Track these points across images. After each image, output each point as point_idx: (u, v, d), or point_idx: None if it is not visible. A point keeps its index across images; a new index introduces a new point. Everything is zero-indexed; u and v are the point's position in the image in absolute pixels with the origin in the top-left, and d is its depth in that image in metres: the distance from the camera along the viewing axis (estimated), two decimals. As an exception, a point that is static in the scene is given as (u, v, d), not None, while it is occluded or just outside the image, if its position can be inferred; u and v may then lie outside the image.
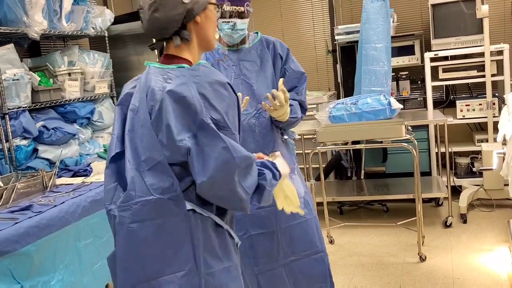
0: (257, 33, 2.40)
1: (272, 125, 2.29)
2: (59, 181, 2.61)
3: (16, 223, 1.93)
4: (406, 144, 3.17)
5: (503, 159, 3.07)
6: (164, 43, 1.45)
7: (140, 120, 1.37)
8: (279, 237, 2.23)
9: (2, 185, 2.38)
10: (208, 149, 1.28)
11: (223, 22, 2.20)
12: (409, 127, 3.33)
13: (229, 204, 1.39)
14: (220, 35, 2.30)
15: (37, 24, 3.07)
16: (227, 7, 2.17)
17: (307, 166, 3.71)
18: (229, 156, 1.28)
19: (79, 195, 2.33)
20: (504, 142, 3.19)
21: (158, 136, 1.32)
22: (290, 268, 2.27)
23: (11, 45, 3.02)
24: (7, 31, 2.94)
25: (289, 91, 2.30)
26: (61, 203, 2.19)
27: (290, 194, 1.65)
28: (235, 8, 2.17)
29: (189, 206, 1.35)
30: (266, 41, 2.35)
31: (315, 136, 3.45)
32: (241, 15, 2.19)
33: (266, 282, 2.26)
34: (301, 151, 4.14)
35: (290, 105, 2.23)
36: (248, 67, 2.30)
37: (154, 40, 1.50)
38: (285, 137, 2.37)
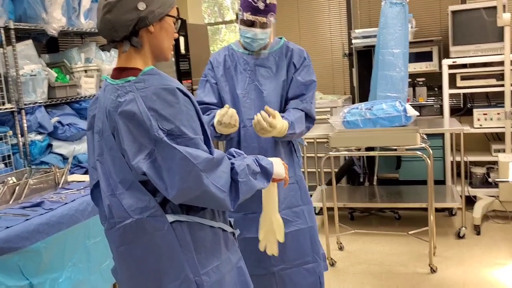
0: (281, 38, 2.37)
1: None
2: (71, 177, 2.62)
3: (27, 219, 1.95)
4: (420, 152, 3.12)
5: (520, 171, 3.02)
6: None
7: (107, 143, 1.36)
8: None
9: (15, 180, 2.40)
10: (168, 163, 1.26)
11: (244, 29, 2.19)
12: (424, 136, 3.29)
13: (209, 204, 1.38)
14: (240, 40, 2.29)
15: (55, 21, 3.10)
16: (248, 16, 2.16)
17: (319, 170, 3.69)
18: (190, 165, 1.25)
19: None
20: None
21: (124, 157, 1.32)
22: (280, 276, 2.26)
23: (30, 41, 3.06)
24: (26, 27, 2.97)
25: (293, 98, 2.28)
26: (72, 201, 2.20)
27: (277, 228, 1.64)
28: (257, 19, 2.15)
29: (171, 218, 1.34)
30: (286, 49, 2.31)
31: (327, 140, 3.42)
32: (262, 26, 2.17)
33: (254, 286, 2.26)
34: (313, 155, 4.13)
35: (290, 121, 2.19)
36: (263, 73, 2.28)
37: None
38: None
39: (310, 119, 2.31)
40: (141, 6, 1.33)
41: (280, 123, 2.10)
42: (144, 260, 1.37)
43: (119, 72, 1.39)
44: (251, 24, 2.17)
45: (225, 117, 2.10)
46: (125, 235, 1.36)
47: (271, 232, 1.67)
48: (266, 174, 1.48)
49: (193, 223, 1.37)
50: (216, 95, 2.34)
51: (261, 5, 2.13)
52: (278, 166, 1.56)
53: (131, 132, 1.29)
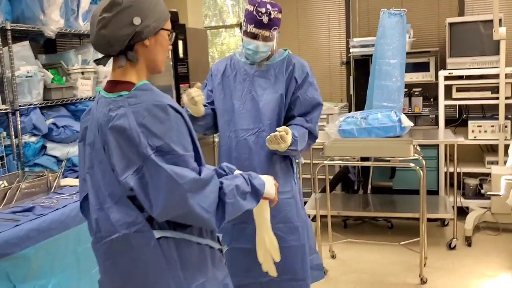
0: (286, 50, 2.37)
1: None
2: (64, 181, 2.62)
3: (17, 225, 1.95)
4: (413, 164, 3.13)
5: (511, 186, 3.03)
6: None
7: (98, 156, 1.36)
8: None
9: (6, 184, 2.40)
10: (154, 181, 1.27)
11: (246, 41, 2.20)
12: (418, 147, 3.30)
13: (194, 223, 1.37)
14: (243, 50, 2.29)
15: (53, 22, 3.10)
16: (252, 28, 2.16)
17: (314, 176, 3.70)
18: (175, 185, 1.25)
19: (82, 198, 2.34)
20: (514, 168, 3.16)
21: (114, 172, 1.32)
22: (268, 286, 2.26)
23: (27, 42, 3.05)
24: (23, 28, 2.96)
25: (299, 115, 2.28)
26: (63, 206, 2.20)
27: (272, 247, 1.64)
28: (260, 32, 2.15)
29: (157, 234, 1.34)
30: (288, 62, 2.30)
31: (322, 148, 3.43)
32: (265, 39, 2.17)
33: None
34: (309, 161, 4.13)
35: (294, 137, 2.19)
36: (261, 84, 2.27)
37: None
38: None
39: (312, 136, 2.32)
40: (137, 21, 1.33)
41: (289, 140, 2.12)
42: (129, 275, 1.37)
43: (113, 86, 1.39)
44: (254, 36, 2.17)
45: (192, 90, 2.15)
46: (111, 250, 1.36)
47: (267, 252, 1.65)
48: (256, 194, 1.47)
49: (180, 240, 1.37)
50: (211, 102, 2.37)
51: (265, 19, 2.14)
52: (269, 185, 1.55)
53: (121, 147, 1.29)
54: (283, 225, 2.25)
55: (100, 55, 1.44)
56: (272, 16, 2.15)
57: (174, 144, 1.29)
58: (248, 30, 2.18)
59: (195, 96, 2.18)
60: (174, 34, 1.46)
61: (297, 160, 2.41)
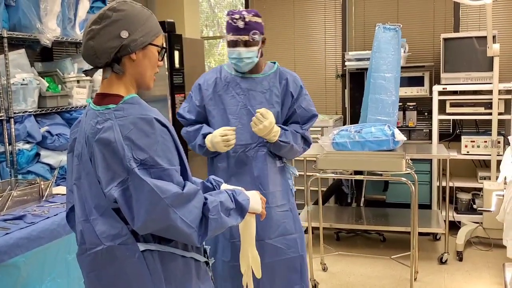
0: (274, 63, 2.39)
1: (268, 159, 2.28)
2: (56, 190, 2.62)
3: (7, 233, 1.94)
4: (405, 179, 3.15)
5: (502, 202, 3.05)
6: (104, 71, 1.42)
7: (85, 168, 1.37)
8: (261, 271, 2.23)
9: (-2, 191, 2.40)
10: (137, 194, 1.27)
11: (229, 51, 2.21)
12: (410, 162, 3.32)
13: (176, 237, 1.37)
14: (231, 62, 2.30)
15: (50, 31, 3.12)
16: (230, 37, 2.18)
17: (306, 188, 3.71)
18: (157, 198, 1.26)
19: (74, 207, 2.34)
20: (505, 183, 3.17)
21: (99, 184, 1.34)
22: None
23: (23, 51, 3.07)
24: (20, 36, 2.98)
25: (294, 123, 2.30)
26: (55, 215, 2.20)
27: (254, 263, 1.65)
28: (238, 38, 2.17)
29: (142, 247, 1.34)
30: (280, 75, 2.32)
31: (315, 161, 3.44)
32: (246, 44, 2.18)
33: None
34: (303, 173, 4.15)
35: (284, 129, 2.22)
36: (256, 98, 2.28)
37: None
38: (280, 164, 2.35)
39: (307, 142, 2.36)
40: (124, 34, 1.35)
41: (271, 117, 2.14)
42: (113, 287, 1.37)
43: (101, 98, 1.40)
44: (234, 44, 2.19)
45: (230, 133, 2.16)
46: (95, 261, 1.37)
47: (249, 267, 1.66)
48: (241, 210, 1.47)
49: (164, 253, 1.38)
50: (196, 115, 2.35)
51: (240, 24, 2.16)
52: (254, 200, 1.55)
53: (106, 159, 1.30)
54: (282, 237, 2.28)
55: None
56: (247, 20, 2.17)
57: (159, 158, 1.29)
58: (228, 39, 2.21)
59: (232, 139, 2.19)
60: (165, 50, 1.46)
61: (292, 172, 2.43)
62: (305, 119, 2.32)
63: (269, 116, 2.14)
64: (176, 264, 1.39)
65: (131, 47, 1.37)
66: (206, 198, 1.37)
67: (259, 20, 2.22)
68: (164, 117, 1.37)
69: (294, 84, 2.31)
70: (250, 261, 1.65)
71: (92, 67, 1.42)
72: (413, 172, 3.21)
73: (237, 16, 2.17)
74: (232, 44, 2.19)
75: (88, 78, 3.54)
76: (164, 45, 1.47)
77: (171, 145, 1.34)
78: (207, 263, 1.53)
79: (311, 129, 4.38)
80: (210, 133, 2.25)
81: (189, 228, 1.30)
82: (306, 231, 4.25)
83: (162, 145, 1.31)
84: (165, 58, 4.19)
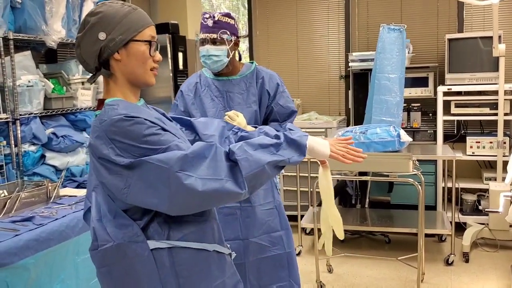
0: (252, 63, 2.40)
1: None
2: (63, 191, 2.62)
3: (17, 235, 1.94)
4: (412, 180, 3.14)
5: (510, 203, 3.04)
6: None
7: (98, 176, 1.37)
8: (247, 269, 2.24)
9: (6, 193, 2.39)
10: (145, 178, 1.23)
11: (200, 50, 2.24)
12: (417, 162, 3.31)
13: (213, 202, 1.29)
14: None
15: (55, 33, 3.12)
16: (201, 35, 2.22)
17: (311, 190, 3.70)
18: (165, 171, 1.21)
19: (81, 209, 2.32)
20: (512, 185, 3.16)
21: (104, 189, 1.33)
22: None
23: (28, 52, 3.07)
24: (26, 38, 2.98)
25: (273, 121, 2.30)
26: (63, 217, 2.20)
27: (335, 223, 1.55)
28: (207, 36, 2.20)
29: (152, 245, 1.33)
30: (257, 74, 2.33)
31: (321, 163, 3.43)
32: (213, 42, 2.19)
33: None
34: (307, 175, 4.14)
35: (258, 127, 2.21)
36: (234, 99, 2.29)
37: None
38: None
39: None
40: (102, 36, 1.35)
41: (241, 118, 2.14)
42: (123, 282, 1.37)
43: (99, 104, 1.41)
44: (202, 41, 2.22)
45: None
46: (106, 257, 1.36)
47: (329, 227, 1.55)
48: (295, 145, 1.35)
49: (177, 248, 1.35)
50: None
51: (210, 23, 2.19)
52: (319, 142, 1.42)
53: (105, 165, 1.29)
54: (267, 235, 2.29)
55: None
56: (216, 19, 2.19)
57: (147, 144, 1.26)
58: (199, 38, 2.25)
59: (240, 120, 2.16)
60: (153, 43, 1.41)
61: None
62: (284, 116, 2.32)
63: (237, 117, 2.15)
64: (189, 258, 1.37)
65: (111, 48, 1.35)
66: (229, 147, 1.30)
67: (230, 21, 2.25)
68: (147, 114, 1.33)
69: (271, 82, 2.32)
70: (330, 220, 1.53)
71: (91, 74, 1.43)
72: (419, 173, 3.20)
73: (207, 15, 2.22)
74: (202, 42, 2.23)
75: (93, 79, 3.53)
76: (154, 37, 1.42)
77: (155, 129, 1.28)
78: (230, 255, 1.49)
79: (314, 130, 4.48)
80: None
81: (217, 181, 1.22)
82: (311, 233, 4.26)
83: (139, 131, 1.26)
84: (169, 60, 4.19)
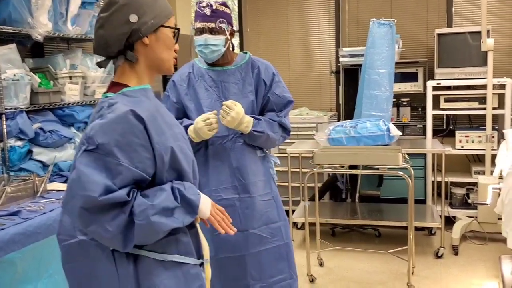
0: (246, 53, 2.37)
1: (247, 150, 2.25)
2: (50, 186, 2.58)
3: (2, 229, 1.90)
4: (401, 172, 3.15)
5: (498, 195, 3.05)
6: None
7: None
8: (247, 261, 2.22)
9: (-8, 188, 2.35)
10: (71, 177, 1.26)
11: (196, 38, 2.20)
12: (406, 156, 3.32)
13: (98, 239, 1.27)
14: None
15: (41, 26, 3.06)
16: (197, 24, 2.18)
17: (303, 185, 3.70)
18: (74, 190, 1.23)
19: (70, 203, 2.30)
20: (501, 177, 3.18)
21: None
22: None
23: (14, 45, 3.01)
24: (10, 30, 2.92)
25: (269, 111, 2.29)
26: (50, 211, 2.16)
27: None
28: (205, 25, 2.16)
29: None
30: (252, 64, 2.31)
31: (312, 156, 3.43)
32: (211, 31, 2.16)
33: None
34: (298, 170, 4.13)
35: (258, 119, 2.20)
36: (230, 90, 2.26)
37: None
38: (260, 154, 2.33)
39: (285, 130, 2.32)
40: (133, 18, 1.30)
41: (239, 108, 2.11)
42: (88, 283, 1.33)
43: (110, 86, 1.37)
44: (200, 31, 2.18)
45: (212, 116, 2.13)
46: (69, 254, 1.33)
47: None
48: (190, 206, 1.33)
49: (140, 256, 1.30)
50: (176, 113, 2.31)
51: (207, 12, 2.16)
52: (203, 202, 1.39)
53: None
54: (266, 227, 2.28)
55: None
56: (214, 8, 2.16)
57: (119, 151, 1.22)
58: (195, 27, 2.20)
59: (214, 123, 2.15)
60: (178, 31, 1.41)
61: (274, 161, 2.42)
62: (280, 106, 2.30)
63: (235, 107, 2.12)
64: (152, 268, 1.30)
65: (142, 31, 1.32)
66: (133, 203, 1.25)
67: (227, 10, 2.23)
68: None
69: (267, 71, 2.30)
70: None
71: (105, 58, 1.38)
72: (409, 166, 3.21)
73: (204, 4, 2.18)
74: (199, 31, 2.18)
75: (81, 74, 3.49)
76: (178, 26, 1.42)
77: (138, 145, 1.25)
78: (201, 264, 1.44)
79: (305, 125, 4.47)
80: (192, 124, 2.22)
81: (107, 233, 1.21)
82: (302, 227, 4.26)
83: (133, 141, 1.24)
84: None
